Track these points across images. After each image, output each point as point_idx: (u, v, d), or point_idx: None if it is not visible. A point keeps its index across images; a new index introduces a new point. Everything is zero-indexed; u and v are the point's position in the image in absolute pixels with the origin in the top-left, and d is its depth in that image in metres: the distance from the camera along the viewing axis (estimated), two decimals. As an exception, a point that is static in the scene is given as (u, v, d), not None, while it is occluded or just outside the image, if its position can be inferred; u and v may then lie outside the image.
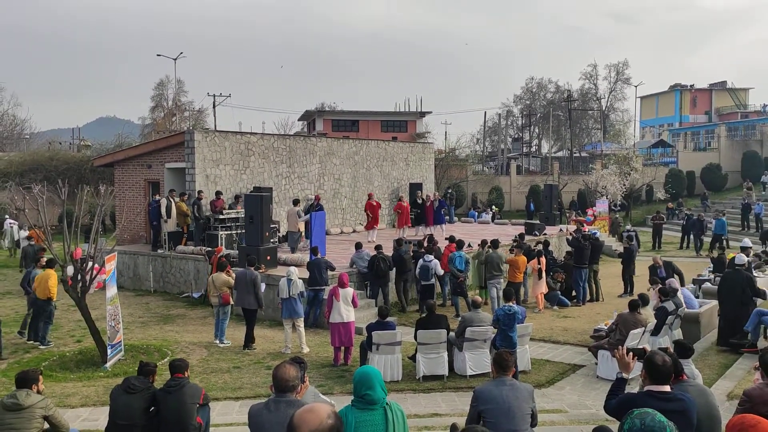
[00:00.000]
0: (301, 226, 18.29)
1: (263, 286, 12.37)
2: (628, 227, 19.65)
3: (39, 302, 11.89)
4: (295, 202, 18.18)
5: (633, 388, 5.69)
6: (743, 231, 29.61)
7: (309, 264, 13.26)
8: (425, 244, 15.70)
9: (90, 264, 10.80)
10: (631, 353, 4.59)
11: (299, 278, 11.92)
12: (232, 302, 12.21)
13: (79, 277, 10.70)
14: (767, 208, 30.84)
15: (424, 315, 10.77)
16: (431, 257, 14.37)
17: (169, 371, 6.75)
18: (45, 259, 12.54)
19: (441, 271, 14.46)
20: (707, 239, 25.25)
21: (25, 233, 21.82)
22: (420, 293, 14.37)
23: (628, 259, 17.05)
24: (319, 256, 13.62)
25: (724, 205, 35.49)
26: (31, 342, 12.08)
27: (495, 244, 15.09)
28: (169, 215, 17.34)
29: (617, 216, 30.05)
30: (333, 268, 13.63)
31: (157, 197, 17.96)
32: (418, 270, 14.23)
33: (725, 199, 37.44)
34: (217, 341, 12.18)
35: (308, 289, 12.81)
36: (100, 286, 12.11)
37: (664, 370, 4.26)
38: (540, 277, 15.08)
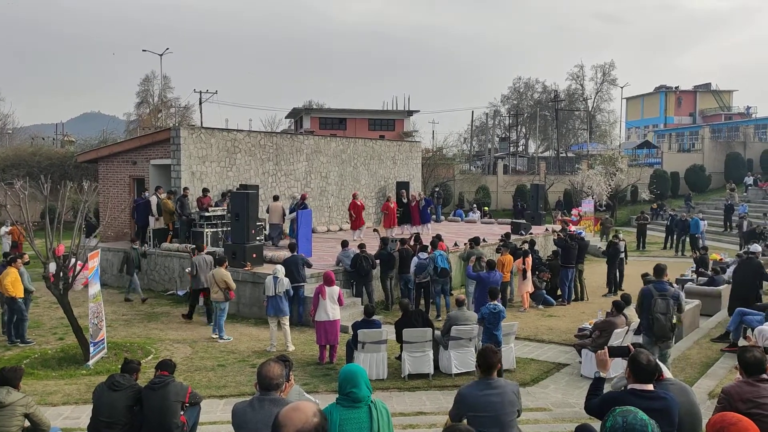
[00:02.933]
0: (285, 224, 18.34)
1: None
2: (620, 235, 18.74)
3: (6, 300, 11.73)
4: (276, 198, 18.59)
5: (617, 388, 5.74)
6: (726, 232, 29.99)
7: (286, 261, 13.22)
8: (411, 243, 15.71)
9: (73, 261, 10.68)
10: (606, 350, 4.63)
11: (285, 276, 11.92)
12: (232, 298, 12.28)
13: (62, 274, 10.58)
14: (751, 209, 31.23)
15: (399, 317, 10.80)
16: (426, 255, 14.40)
17: (154, 369, 6.69)
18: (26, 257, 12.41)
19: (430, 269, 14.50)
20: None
21: (7, 229, 21.52)
22: (415, 290, 14.39)
23: (612, 259, 17.18)
24: (296, 252, 13.61)
25: (707, 206, 35.92)
26: (18, 341, 11.91)
27: (476, 241, 15.24)
28: (159, 213, 17.21)
29: (607, 216, 30.28)
30: (310, 265, 13.64)
31: (146, 194, 17.78)
32: (414, 267, 14.25)
33: (708, 200, 37.87)
34: (216, 337, 12.20)
35: None
36: (86, 283, 12.00)
37: (648, 368, 4.30)
38: (525, 276, 15.15)
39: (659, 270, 9.17)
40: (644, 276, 12.58)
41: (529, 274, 15.22)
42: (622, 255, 17.58)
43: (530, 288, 15.26)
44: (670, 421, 4.18)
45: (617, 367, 9.08)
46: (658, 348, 8.59)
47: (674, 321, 8.70)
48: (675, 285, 11.21)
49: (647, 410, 3.42)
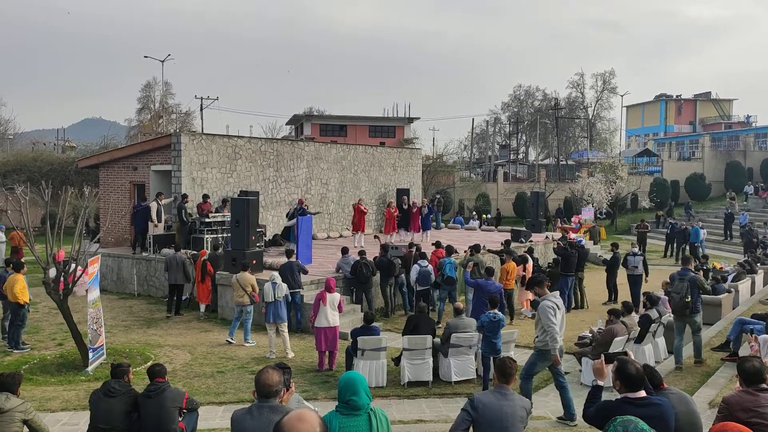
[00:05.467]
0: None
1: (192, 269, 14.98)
2: (635, 249, 17.00)
3: (11, 305, 11.74)
4: (300, 202, 19.74)
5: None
6: (726, 240, 29.98)
7: (282, 267, 13.26)
8: (408, 250, 15.69)
9: (73, 266, 10.68)
10: (603, 358, 4.62)
11: (283, 282, 11.95)
12: (257, 301, 12.34)
13: (62, 279, 10.58)
14: (751, 218, 31.22)
15: (414, 313, 10.84)
16: (426, 262, 14.38)
17: (149, 377, 6.65)
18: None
19: (434, 277, 14.52)
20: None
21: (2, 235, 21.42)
22: (416, 298, 14.39)
23: (613, 268, 17.13)
24: (293, 259, 13.62)
25: (708, 214, 35.90)
26: (10, 346, 11.90)
27: (476, 248, 15.25)
28: (159, 219, 17.21)
29: (594, 224, 30.37)
30: (305, 271, 13.66)
31: (144, 202, 17.75)
32: (416, 275, 14.23)
33: (709, 209, 37.85)
34: (231, 340, 12.31)
35: None
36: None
37: (636, 377, 4.29)
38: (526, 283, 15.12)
39: (686, 259, 11.63)
40: (646, 294, 12.36)
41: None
42: (638, 272, 16.03)
43: (531, 295, 15.22)
44: (667, 426, 4.18)
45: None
46: (685, 323, 10.64)
47: (687, 300, 10.45)
48: (697, 272, 11.99)
49: (642, 417, 3.42)
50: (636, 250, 17.02)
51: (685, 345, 10.93)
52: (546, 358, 8.02)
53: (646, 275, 16.21)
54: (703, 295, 14.61)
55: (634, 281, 16.21)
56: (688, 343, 11.06)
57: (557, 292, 8.39)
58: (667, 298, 12.64)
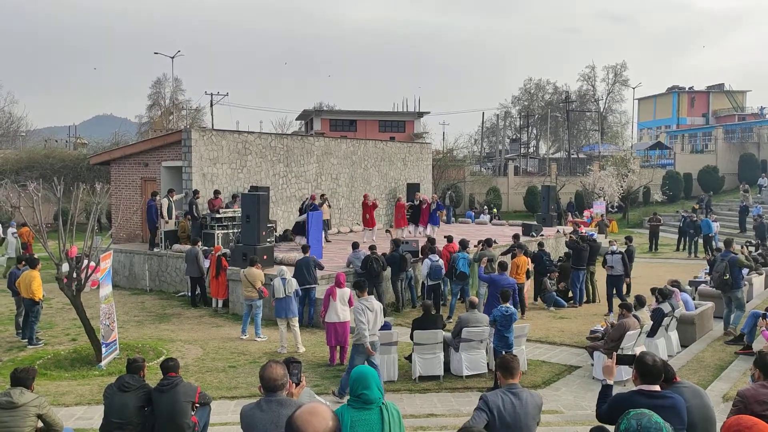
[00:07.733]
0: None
1: (207, 262, 15.20)
2: (614, 247, 14.90)
3: (26, 302, 11.87)
4: (322, 196, 20.31)
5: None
6: (740, 233, 29.69)
7: (298, 262, 13.26)
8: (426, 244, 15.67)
9: (85, 262, 10.76)
10: (614, 358, 4.61)
11: (299, 277, 11.97)
12: (265, 296, 12.35)
13: (75, 275, 10.66)
14: (765, 211, 30.90)
15: (420, 313, 10.82)
16: (437, 257, 14.37)
17: (162, 372, 6.70)
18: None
19: (444, 271, 14.51)
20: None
21: (14, 230, 21.60)
22: (427, 293, 14.37)
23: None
24: (308, 254, 13.63)
25: (720, 207, 35.58)
26: (25, 341, 12.03)
27: (488, 243, 15.22)
28: (170, 216, 17.29)
29: (602, 218, 30.19)
30: (321, 267, 13.64)
31: (157, 199, 17.85)
32: (428, 270, 14.20)
33: (722, 201, 37.51)
34: (243, 335, 12.40)
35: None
36: (95, 284, 12.09)
37: (654, 369, 4.28)
38: (528, 276, 15.19)
39: (727, 242, 12.81)
40: (657, 288, 12.15)
41: (532, 274, 15.30)
42: (616, 272, 14.30)
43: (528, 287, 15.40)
44: (680, 419, 4.17)
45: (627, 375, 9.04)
46: (727, 298, 12.14)
47: (726, 277, 11.70)
48: (737, 253, 12.82)
49: (654, 408, 3.40)
50: (615, 248, 14.74)
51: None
52: (361, 351, 9.00)
53: (627, 275, 14.75)
54: (716, 289, 14.54)
55: (611, 282, 14.43)
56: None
57: (372, 297, 9.70)
58: (678, 290, 12.59)
